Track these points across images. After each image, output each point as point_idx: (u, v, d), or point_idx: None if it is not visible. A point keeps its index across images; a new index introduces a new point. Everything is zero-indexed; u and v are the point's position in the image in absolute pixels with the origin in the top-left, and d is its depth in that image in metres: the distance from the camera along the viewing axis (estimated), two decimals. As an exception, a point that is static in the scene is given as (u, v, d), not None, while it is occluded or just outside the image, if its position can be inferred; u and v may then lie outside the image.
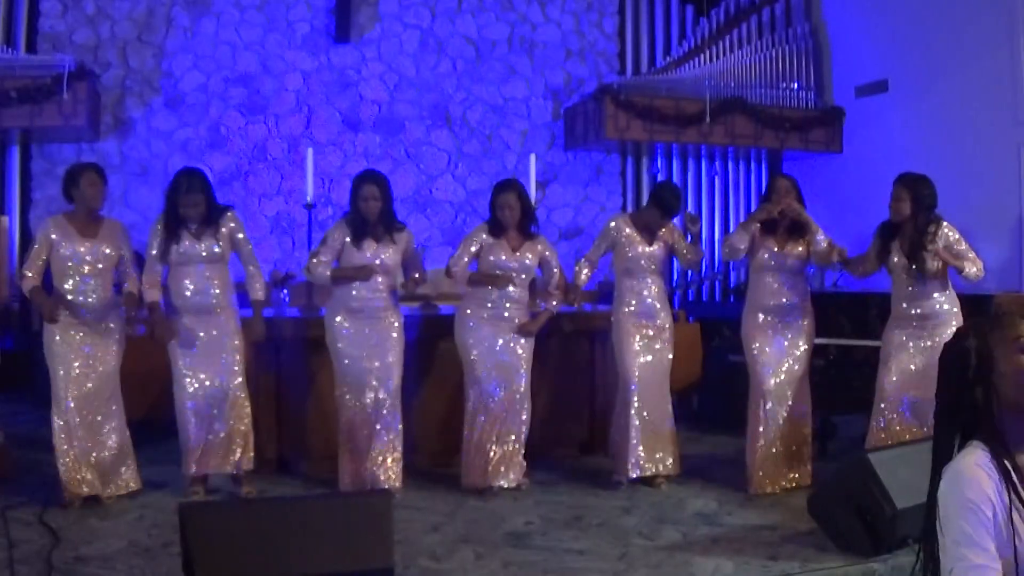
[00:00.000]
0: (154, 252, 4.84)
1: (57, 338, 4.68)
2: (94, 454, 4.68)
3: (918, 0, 8.36)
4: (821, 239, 5.08)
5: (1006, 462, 1.87)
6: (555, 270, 5.27)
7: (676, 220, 5.49)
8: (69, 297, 4.70)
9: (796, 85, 9.31)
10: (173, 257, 4.83)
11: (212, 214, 4.86)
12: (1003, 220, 7.47)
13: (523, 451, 5.15)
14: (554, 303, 5.26)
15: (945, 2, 8.06)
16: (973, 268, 4.71)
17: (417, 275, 5.14)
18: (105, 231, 4.81)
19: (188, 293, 4.84)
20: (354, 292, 4.96)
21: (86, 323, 4.72)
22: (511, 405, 5.10)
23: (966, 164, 7.60)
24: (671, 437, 5.24)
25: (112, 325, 4.81)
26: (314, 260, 5.02)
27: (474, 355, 5.11)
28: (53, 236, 4.70)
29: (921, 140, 8.20)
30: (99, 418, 4.73)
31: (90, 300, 4.73)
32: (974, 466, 1.88)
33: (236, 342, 4.92)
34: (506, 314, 5.13)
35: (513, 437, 5.10)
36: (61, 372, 4.66)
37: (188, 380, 4.84)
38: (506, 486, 5.07)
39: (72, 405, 4.64)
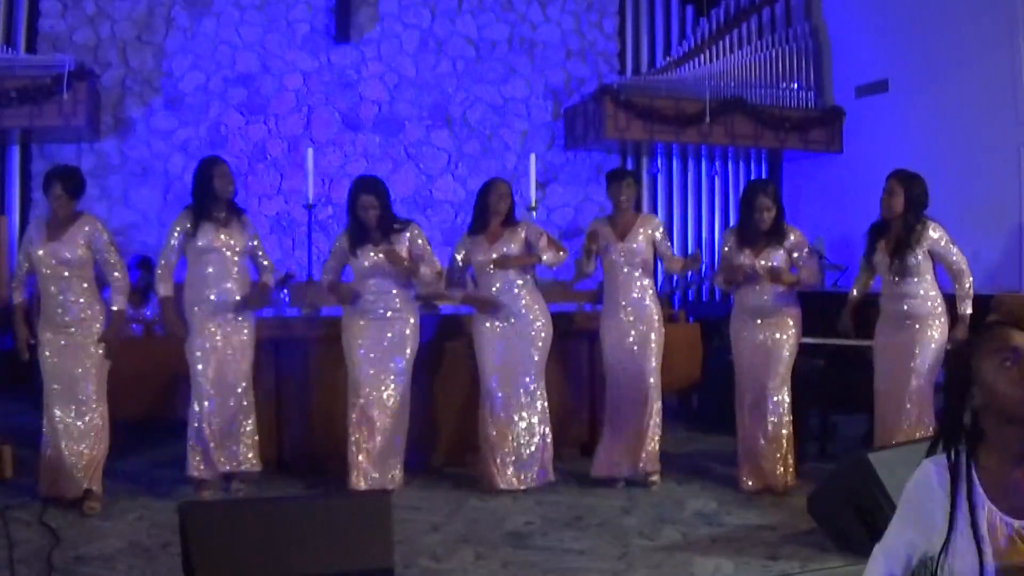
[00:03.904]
0: (174, 243, 4.85)
1: (43, 342, 4.67)
2: (72, 458, 4.62)
3: (918, 0, 8.36)
4: (804, 277, 5.09)
5: (970, 471, 1.87)
6: (542, 236, 5.24)
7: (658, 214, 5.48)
8: (44, 300, 4.67)
9: (796, 85, 9.30)
10: (199, 247, 4.83)
11: (235, 207, 4.94)
12: (1003, 220, 7.47)
13: (543, 451, 5.16)
14: (545, 255, 5.16)
15: (945, 2, 8.06)
16: (966, 290, 4.76)
17: (418, 264, 5.06)
18: (72, 232, 4.66)
19: (210, 286, 4.84)
20: (367, 295, 5.01)
21: (59, 326, 4.65)
22: (526, 404, 5.11)
23: (966, 164, 7.59)
24: (655, 436, 5.20)
25: (93, 329, 4.69)
26: (323, 275, 5.20)
27: (487, 358, 5.15)
28: (31, 237, 4.72)
29: (921, 140, 8.20)
30: (79, 423, 4.65)
31: (60, 303, 4.65)
32: (929, 476, 1.91)
33: (249, 344, 4.93)
34: (513, 307, 5.15)
35: (526, 437, 5.11)
36: (45, 376, 4.66)
37: (203, 379, 4.83)
38: (535, 485, 5.10)
39: (53, 409, 4.63)
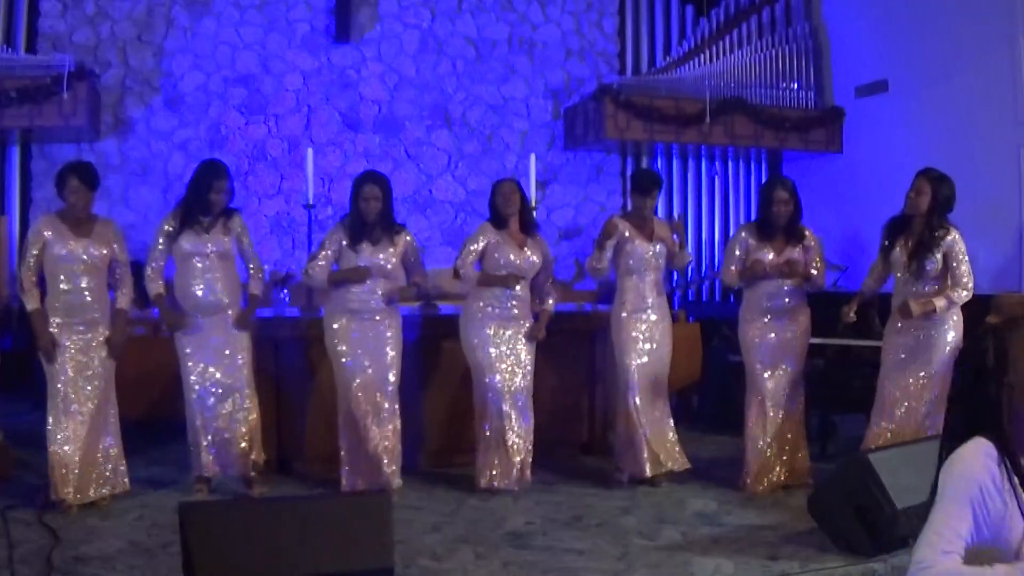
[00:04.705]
0: (160, 247, 4.86)
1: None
2: (84, 456, 4.62)
3: (918, 0, 8.36)
4: (815, 276, 5.13)
5: (1009, 458, 1.95)
6: (550, 278, 5.33)
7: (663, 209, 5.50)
8: (63, 297, 4.66)
9: (796, 85, 9.30)
10: (184, 251, 4.83)
11: (227, 209, 4.95)
12: (1003, 220, 7.46)
13: (530, 453, 5.17)
14: (550, 301, 5.28)
15: (945, 2, 8.06)
16: (952, 296, 4.66)
17: (418, 279, 5.13)
18: (98, 230, 4.75)
19: (199, 290, 4.85)
20: (351, 294, 4.97)
21: (79, 324, 4.66)
22: (517, 403, 5.11)
23: (966, 164, 7.57)
24: (673, 434, 5.26)
25: (103, 329, 4.73)
26: (311, 264, 5.05)
27: (480, 355, 5.13)
28: (47, 234, 4.65)
29: (921, 140, 8.19)
30: (92, 421, 4.66)
31: (83, 301, 4.67)
32: (978, 456, 1.96)
33: (245, 342, 4.93)
34: (514, 312, 5.16)
35: (519, 438, 5.11)
36: (55, 373, 4.64)
37: (196, 380, 4.84)
38: (516, 488, 5.09)
39: (65, 407, 4.62)
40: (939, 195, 4.71)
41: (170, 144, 8.61)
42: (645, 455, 5.15)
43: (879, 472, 3.88)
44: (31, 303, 4.65)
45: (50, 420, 4.63)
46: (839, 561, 3.92)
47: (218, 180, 4.85)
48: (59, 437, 4.60)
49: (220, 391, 4.86)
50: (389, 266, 5.00)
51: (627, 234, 5.25)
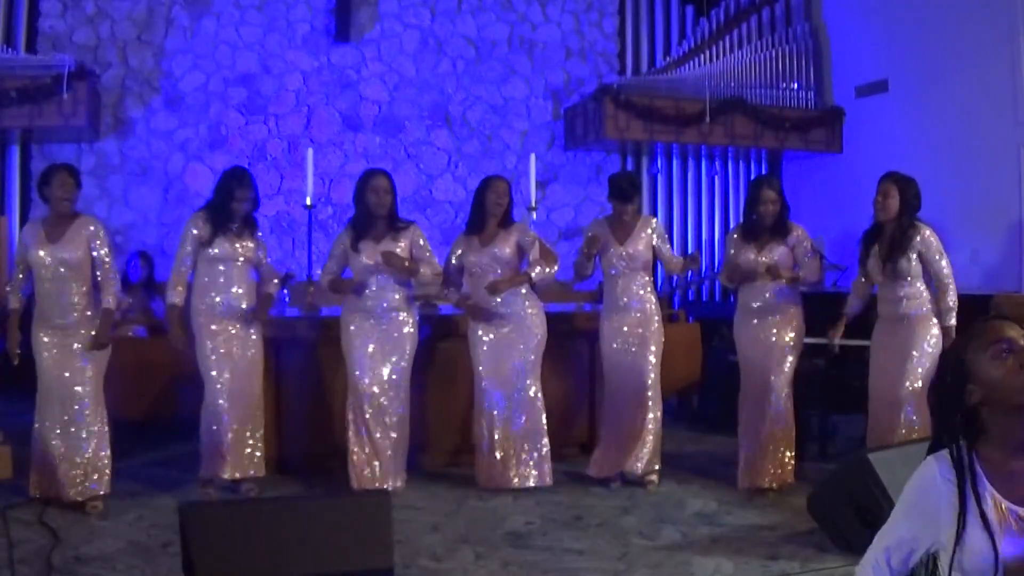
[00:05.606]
0: (188, 251, 4.87)
1: (39, 344, 4.67)
2: (66, 461, 4.58)
3: (918, 0, 8.36)
4: (804, 275, 5.11)
5: (973, 464, 1.89)
6: (535, 245, 5.21)
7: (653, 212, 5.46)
8: (42, 301, 4.65)
9: (796, 85, 9.30)
10: (212, 255, 4.84)
11: (252, 216, 4.97)
12: (1003, 220, 7.47)
13: (542, 451, 5.15)
14: (534, 272, 5.13)
15: (945, 2, 8.06)
16: (949, 304, 4.70)
17: (422, 265, 5.08)
18: (72, 233, 4.65)
19: (220, 292, 4.85)
20: (368, 294, 5.00)
21: (58, 326, 4.64)
22: (518, 405, 5.11)
23: (966, 164, 7.59)
24: (651, 437, 5.17)
25: (85, 331, 4.67)
26: (321, 274, 5.18)
27: (477, 356, 5.14)
28: (27, 240, 4.67)
29: (921, 140, 8.20)
30: (74, 426, 4.61)
31: (58, 303, 4.64)
32: (932, 470, 1.92)
33: (258, 349, 4.94)
34: (508, 309, 5.14)
35: (524, 439, 5.10)
36: (39, 377, 4.65)
37: (215, 383, 4.82)
38: (531, 485, 5.09)
39: (47, 411, 4.61)
40: (907, 196, 4.74)
41: (170, 144, 8.61)
42: (604, 456, 5.21)
43: (879, 472, 3.88)
44: (11, 304, 4.71)
45: (35, 422, 4.66)
46: (839, 561, 3.92)
47: (240, 188, 4.86)
48: (37, 439, 4.61)
49: (233, 396, 4.84)
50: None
51: (603, 236, 5.23)
